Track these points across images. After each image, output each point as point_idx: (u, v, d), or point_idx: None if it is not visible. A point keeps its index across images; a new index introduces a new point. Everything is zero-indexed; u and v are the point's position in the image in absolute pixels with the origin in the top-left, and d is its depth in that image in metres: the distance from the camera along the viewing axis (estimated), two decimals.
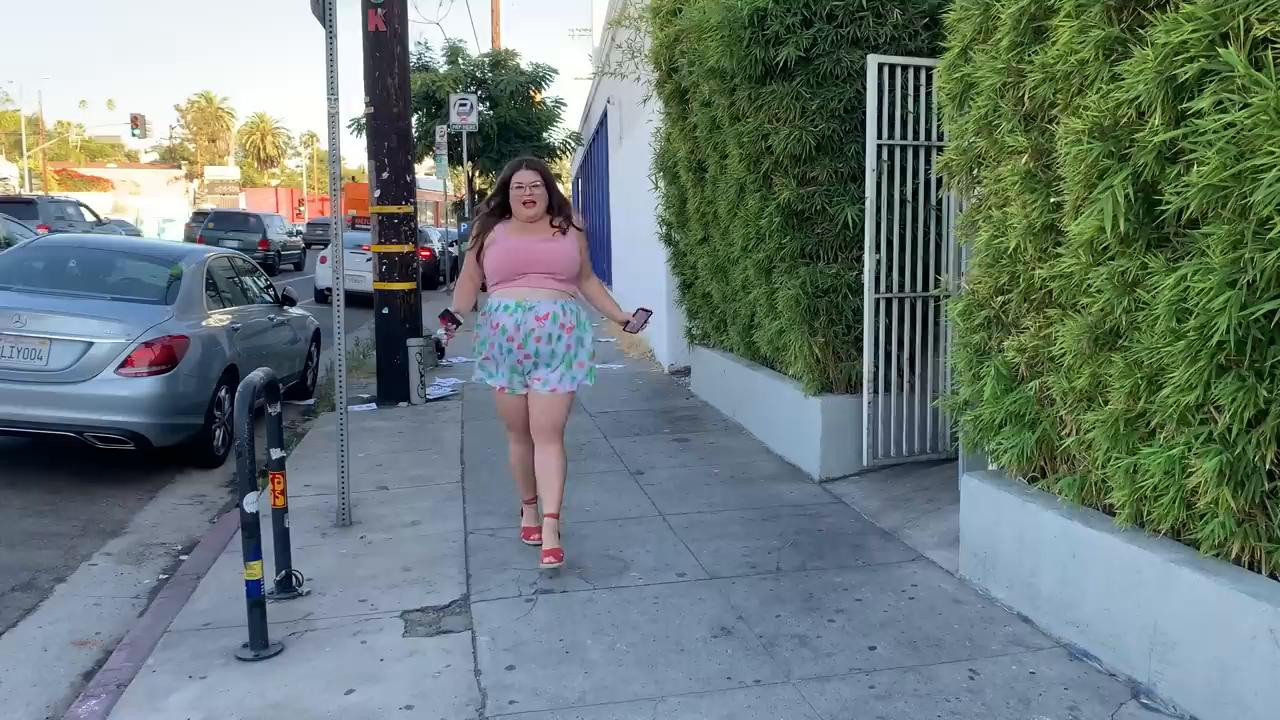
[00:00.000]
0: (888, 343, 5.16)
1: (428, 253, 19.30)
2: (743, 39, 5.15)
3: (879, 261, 5.04)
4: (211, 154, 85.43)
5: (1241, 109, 2.34)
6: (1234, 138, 2.38)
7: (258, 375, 3.56)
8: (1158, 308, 2.65)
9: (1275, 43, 2.27)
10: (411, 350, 7.75)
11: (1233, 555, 2.71)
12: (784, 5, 5.05)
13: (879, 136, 4.93)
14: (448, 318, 4.07)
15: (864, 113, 4.95)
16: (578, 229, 4.15)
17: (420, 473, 5.77)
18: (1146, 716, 2.79)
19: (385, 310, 7.93)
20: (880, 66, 4.87)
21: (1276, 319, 2.38)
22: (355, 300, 11.23)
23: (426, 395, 7.97)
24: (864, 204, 5.02)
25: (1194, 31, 2.45)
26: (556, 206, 4.08)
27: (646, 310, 4.31)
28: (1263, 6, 2.31)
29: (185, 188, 67.91)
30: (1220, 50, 2.40)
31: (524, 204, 3.98)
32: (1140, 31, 2.71)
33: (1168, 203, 2.62)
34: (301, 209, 50.07)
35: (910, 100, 4.98)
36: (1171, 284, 2.58)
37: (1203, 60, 2.46)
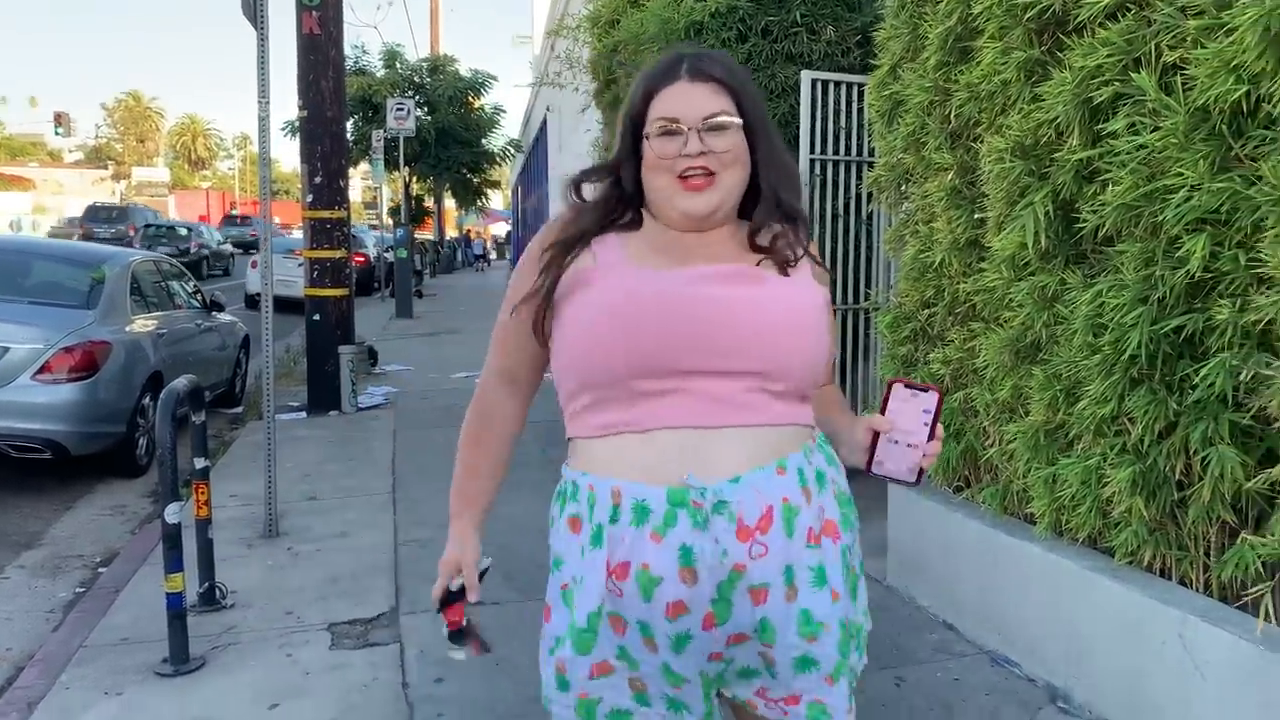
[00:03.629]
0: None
1: (363, 259, 19.06)
2: None
3: None
4: (140, 154, 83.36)
5: (1152, 131, 2.43)
6: (1146, 159, 2.47)
7: (181, 382, 3.47)
8: (1075, 322, 2.73)
9: (1184, 69, 2.36)
10: (343, 358, 7.64)
11: (1145, 563, 2.80)
12: (720, 20, 5.11)
13: (812, 151, 5.01)
14: (459, 604, 1.54)
15: (799, 127, 5.02)
16: (815, 260, 1.52)
17: (350, 483, 5.68)
18: None
19: (316, 317, 7.81)
20: (814, 82, 4.95)
21: (1185, 334, 2.47)
22: (287, 306, 11.04)
23: (358, 404, 7.85)
24: None
25: (1109, 56, 2.54)
26: (772, 188, 1.48)
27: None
28: (1172, 34, 2.41)
29: (112, 188, 66.14)
30: (1133, 75, 2.49)
31: (688, 182, 1.41)
32: (1059, 55, 2.80)
33: (1085, 221, 2.71)
34: (233, 213, 49.13)
35: (843, 116, 5.07)
36: (1088, 299, 2.66)
37: (1117, 84, 2.55)
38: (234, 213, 47.55)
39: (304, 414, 7.73)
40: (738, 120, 1.41)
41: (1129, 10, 2.57)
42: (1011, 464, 3.25)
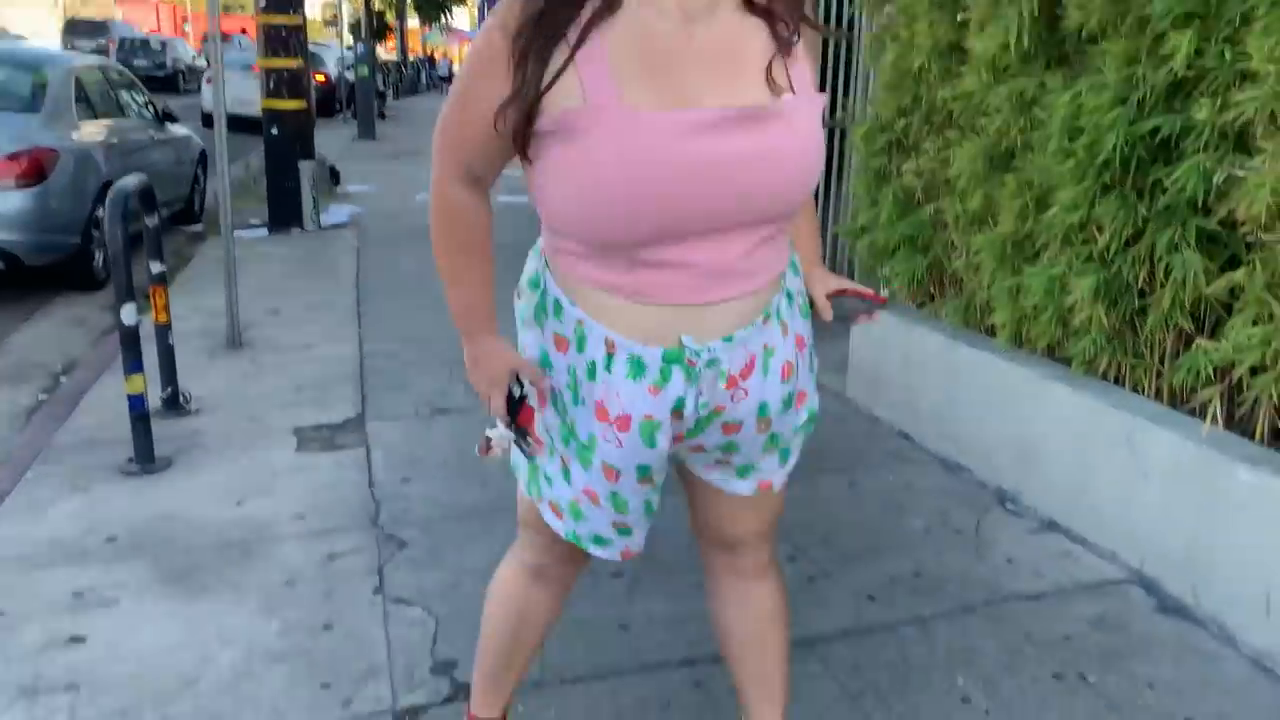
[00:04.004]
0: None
1: (323, 78, 18.30)
2: None
3: None
4: None
5: None
6: None
7: (130, 180, 3.35)
8: (1051, 126, 2.67)
9: None
10: (304, 173, 7.42)
11: (1100, 371, 2.85)
12: None
13: None
14: (529, 408, 1.40)
15: None
16: (809, 23, 1.32)
17: (314, 299, 5.62)
18: (1009, 520, 2.97)
19: (274, 131, 7.52)
20: None
21: (1160, 137, 2.42)
22: (248, 126, 10.63)
23: (321, 222, 7.69)
24: None
25: None
26: None
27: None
28: None
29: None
30: None
31: None
32: None
33: (1069, 19, 2.60)
34: (186, 27, 46.69)
35: None
36: (1066, 101, 2.60)
37: None
38: (186, 27, 45.15)
39: (265, 231, 7.57)
40: None
41: None
42: (977, 276, 3.25)
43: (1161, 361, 2.71)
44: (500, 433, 1.44)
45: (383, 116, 18.35)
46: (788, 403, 1.42)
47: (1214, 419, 2.47)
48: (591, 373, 1.33)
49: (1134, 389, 2.79)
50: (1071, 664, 2.24)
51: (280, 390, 4.06)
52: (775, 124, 1.23)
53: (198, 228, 8.01)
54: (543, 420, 1.41)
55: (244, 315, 4.83)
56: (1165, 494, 2.52)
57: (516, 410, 1.37)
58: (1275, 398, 2.35)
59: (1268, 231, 2.22)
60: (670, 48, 1.21)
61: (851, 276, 4.62)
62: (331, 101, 18.71)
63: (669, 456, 1.43)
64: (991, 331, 3.25)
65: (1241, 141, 2.26)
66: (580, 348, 1.34)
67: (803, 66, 1.30)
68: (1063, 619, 2.43)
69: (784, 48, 1.27)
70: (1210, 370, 2.43)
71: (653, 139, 1.17)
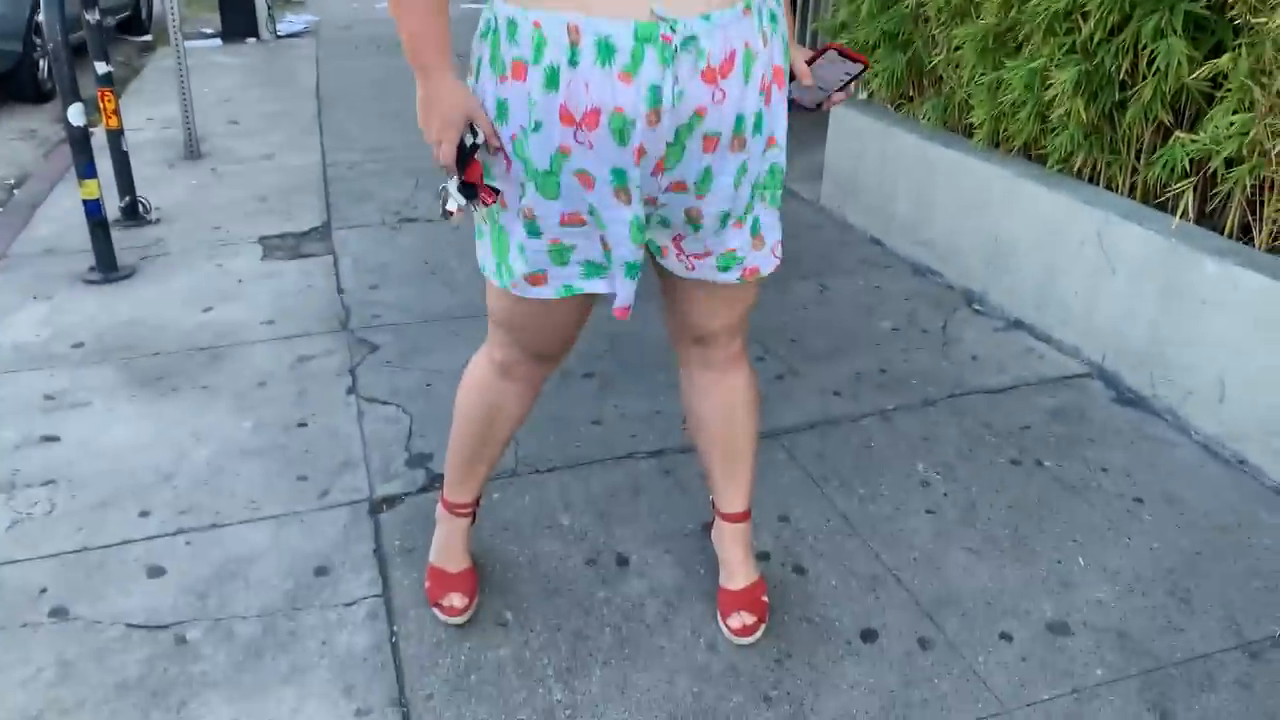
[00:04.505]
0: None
1: None
2: None
3: None
4: None
5: None
6: None
7: None
8: None
9: None
10: None
11: (1076, 169, 2.81)
12: None
13: None
14: (478, 163, 1.33)
15: None
16: None
17: (273, 109, 5.41)
18: (976, 319, 3.00)
19: None
20: None
21: None
22: None
23: (277, 31, 7.33)
24: None
25: None
26: None
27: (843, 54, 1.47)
28: None
29: None
30: None
31: None
32: None
33: None
34: None
35: None
36: None
37: None
38: None
39: (219, 41, 7.22)
40: None
41: None
42: (957, 73, 3.15)
43: (1138, 157, 2.68)
44: (453, 188, 1.34)
45: None
46: (758, 125, 1.34)
47: (1185, 213, 2.46)
48: (552, 79, 1.24)
49: (1108, 186, 2.77)
50: (1029, 451, 2.31)
51: (243, 200, 3.96)
52: None
53: (147, 38, 7.63)
54: (501, 174, 1.34)
55: (201, 126, 4.66)
56: (1130, 289, 2.54)
57: (466, 162, 1.30)
58: (1248, 190, 2.34)
59: (1255, 14, 2.15)
60: None
61: None
62: None
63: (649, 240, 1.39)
64: (969, 132, 3.19)
65: None
66: (538, 57, 1.24)
67: None
68: (1023, 411, 2.49)
69: None
70: (1186, 163, 2.41)
71: None
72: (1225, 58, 2.24)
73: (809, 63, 1.44)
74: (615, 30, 1.20)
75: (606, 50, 1.21)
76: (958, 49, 3.06)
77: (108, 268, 3.19)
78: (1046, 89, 2.70)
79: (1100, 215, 2.62)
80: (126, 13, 7.48)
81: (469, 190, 1.32)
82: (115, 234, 3.33)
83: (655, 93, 1.23)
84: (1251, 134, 2.20)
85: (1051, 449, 2.32)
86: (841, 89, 1.47)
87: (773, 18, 1.34)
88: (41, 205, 3.86)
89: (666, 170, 1.32)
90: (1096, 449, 2.33)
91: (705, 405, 1.70)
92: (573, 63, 1.22)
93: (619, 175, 1.29)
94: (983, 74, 2.97)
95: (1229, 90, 2.25)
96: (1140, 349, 2.53)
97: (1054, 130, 2.78)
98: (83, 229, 3.22)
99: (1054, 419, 2.45)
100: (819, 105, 1.49)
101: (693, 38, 1.22)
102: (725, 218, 1.41)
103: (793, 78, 1.43)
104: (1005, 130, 2.97)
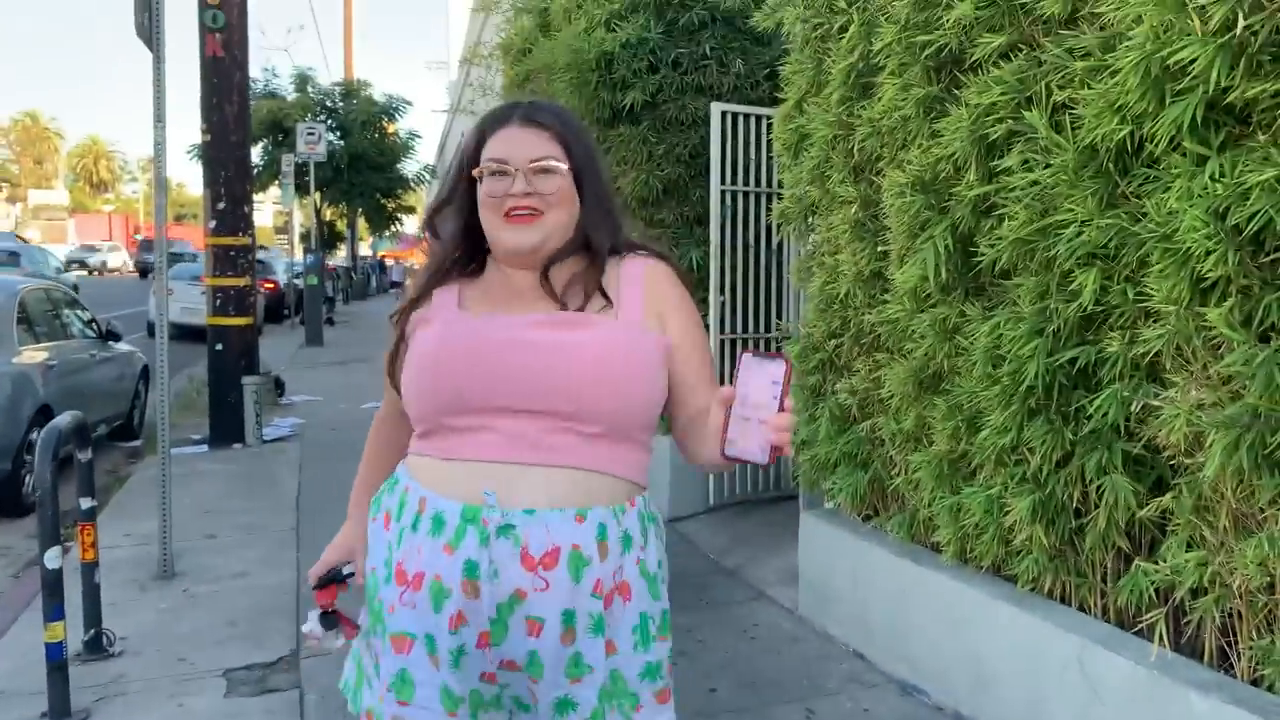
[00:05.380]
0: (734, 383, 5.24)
1: (272, 285, 18.62)
2: (590, 81, 5.19)
3: (724, 304, 5.14)
4: (38, 176, 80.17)
5: (1045, 168, 2.49)
6: (1039, 195, 2.53)
7: (65, 419, 3.31)
8: (975, 353, 2.78)
9: (1073, 108, 2.43)
10: (247, 389, 7.40)
11: (1046, 589, 2.85)
12: (630, 50, 5.12)
13: (723, 182, 5.05)
14: (336, 586, 1.62)
15: (709, 158, 5.05)
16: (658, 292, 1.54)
17: (252, 519, 5.48)
18: None
19: (219, 347, 7.55)
20: (724, 114, 5.00)
21: (1079, 366, 2.53)
22: (195, 335, 10.68)
23: (263, 436, 7.61)
24: (709, 248, 5.11)
25: (1002, 94, 2.61)
26: (601, 223, 1.55)
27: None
28: (1061, 74, 2.48)
29: (7, 211, 63.50)
30: (1025, 113, 2.55)
31: (512, 218, 1.48)
32: (956, 92, 2.87)
33: (982, 254, 2.77)
34: (138, 236, 47.48)
35: (753, 148, 5.13)
36: (986, 331, 2.72)
37: (1010, 122, 2.61)
38: (138, 236, 45.99)
39: (206, 447, 7.45)
40: (564, 166, 1.49)
41: (1020, 51, 2.64)
42: (917, 493, 3.29)
43: (1105, 580, 2.73)
44: (315, 615, 1.56)
45: (331, 322, 18.58)
46: (598, 628, 1.40)
47: (1161, 640, 2.46)
48: (399, 540, 1.44)
49: (1080, 608, 2.79)
50: None
51: (212, 626, 3.88)
52: (589, 326, 1.45)
53: (137, 444, 7.89)
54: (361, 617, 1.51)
55: (178, 540, 4.68)
56: (1120, 718, 2.47)
57: (325, 583, 1.52)
58: (1218, 619, 2.36)
59: (1189, 457, 2.30)
60: (513, 285, 1.52)
61: (795, 486, 4.65)
62: (280, 307, 18.95)
63: None
64: (937, 547, 3.26)
65: (1154, 371, 2.37)
66: (398, 515, 1.46)
67: (636, 316, 1.49)
68: None
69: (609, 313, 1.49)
70: (1152, 591, 2.45)
71: (471, 326, 1.47)
72: (1168, 496, 2.36)
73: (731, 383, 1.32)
74: (448, 508, 1.40)
75: (439, 523, 1.40)
76: (915, 472, 3.21)
77: (61, 714, 3.04)
78: (1005, 514, 2.81)
79: (1077, 641, 2.62)
80: (120, 421, 7.79)
81: (329, 620, 1.51)
82: (75, 670, 3.22)
83: (472, 567, 1.37)
84: (1210, 567, 2.26)
85: None
86: (780, 406, 1.28)
87: (626, 538, 1.44)
88: (3, 638, 3.77)
89: (493, 645, 1.39)
90: None
91: None
92: (414, 528, 1.42)
93: (430, 641, 1.40)
94: (943, 497, 3.09)
95: (1179, 525, 2.35)
96: None
97: (1019, 553, 2.85)
98: (41, 669, 3.11)
99: None
100: (771, 454, 1.28)
101: (510, 526, 1.37)
102: (562, 706, 1.42)
103: (727, 423, 1.30)
104: (972, 550, 3.04)
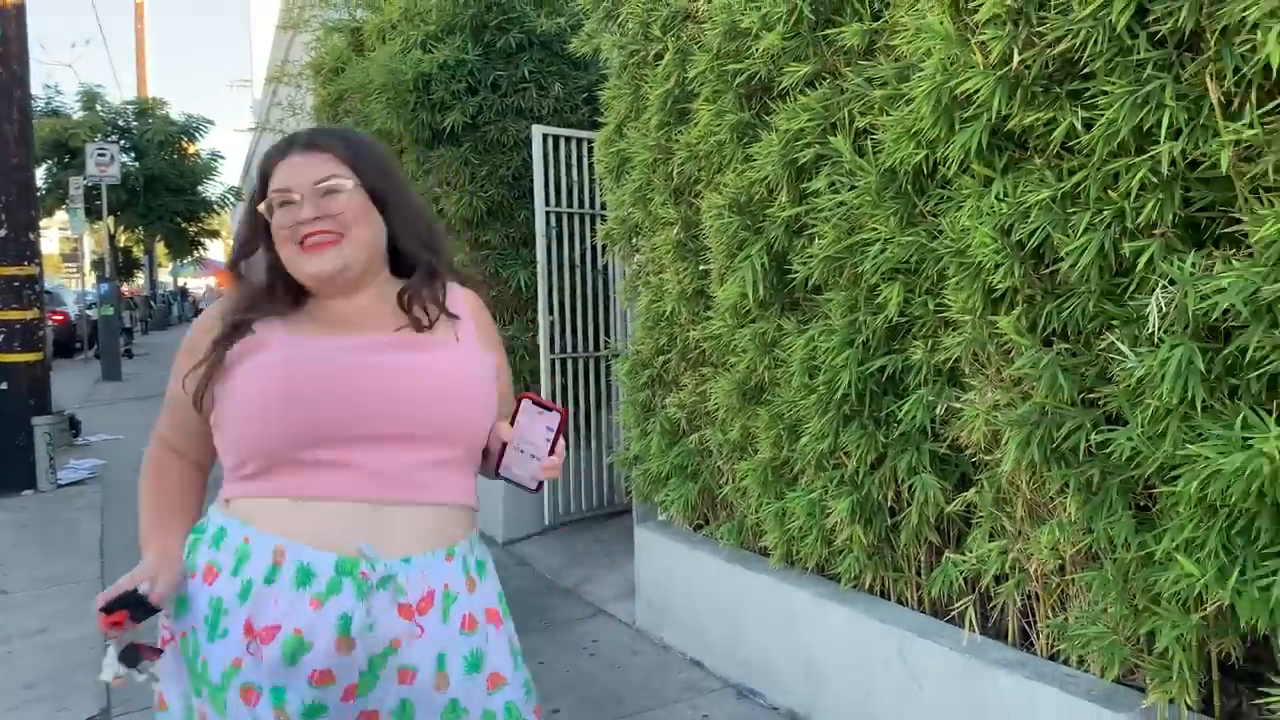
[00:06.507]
0: (564, 402, 5.28)
1: (62, 317, 17.28)
2: (408, 102, 5.13)
3: (553, 323, 5.17)
4: None
5: (850, 190, 2.66)
6: (845, 215, 2.69)
7: None
8: (793, 365, 2.92)
9: (874, 134, 2.60)
10: (38, 430, 6.85)
11: (867, 586, 3.02)
12: (448, 72, 5.09)
13: (547, 204, 5.08)
14: (127, 611, 1.31)
15: (532, 180, 5.08)
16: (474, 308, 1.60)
17: (51, 571, 5.07)
18: None
19: (4, 386, 6.95)
20: (545, 137, 5.04)
21: (887, 373, 2.70)
22: None
23: (58, 480, 7.06)
24: (535, 268, 5.14)
25: (809, 121, 2.76)
26: (416, 239, 1.54)
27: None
28: (863, 102, 2.65)
29: None
30: (831, 138, 2.71)
31: (308, 246, 1.43)
32: (767, 118, 3.01)
33: (796, 271, 2.91)
34: None
35: (575, 170, 5.19)
36: (802, 344, 2.86)
37: (818, 146, 2.77)
38: None
39: None
40: (350, 182, 1.45)
41: (825, 80, 2.81)
42: (745, 500, 3.41)
43: (919, 573, 2.91)
44: (113, 653, 1.33)
45: (129, 355, 17.41)
46: (473, 665, 1.40)
47: (971, 626, 2.65)
48: (245, 594, 1.33)
49: (899, 601, 2.97)
50: None
51: (6, 691, 3.56)
52: (428, 349, 1.45)
53: None
54: (165, 671, 1.38)
55: None
56: (939, 703, 2.65)
57: (116, 607, 1.30)
58: (1019, 602, 2.57)
59: (988, 454, 2.49)
60: (337, 311, 1.47)
61: (629, 501, 4.72)
62: (71, 341, 17.59)
63: None
64: (765, 552, 3.39)
65: (955, 376, 2.56)
66: (236, 569, 1.34)
67: (470, 337, 1.52)
68: None
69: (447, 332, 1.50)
70: (961, 580, 2.64)
71: (315, 350, 1.39)
72: (972, 491, 2.56)
73: (511, 422, 1.49)
74: (317, 559, 1.33)
75: (305, 575, 1.32)
76: (743, 480, 3.34)
77: None
78: (827, 516, 2.96)
79: (898, 632, 2.78)
80: None
81: (130, 655, 1.32)
82: None
83: (346, 621, 1.32)
84: (1010, 555, 2.46)
85: None
86: (551, 450, 1.46)
87: (480, 565, 1.50)
88: None
89: (358, 697, 1.34)
90: None
91: None
92: (269, 580, 1.33)
93: (278, 694, 1.31)
94: (768, 503, 3.22)
95: (982, 517, 2.55)
96: None
97: (841, 552, 3.00)
98: None
99: None
100: (538, 486, 1.49)
101: (390, 577, 1.34)
102: None
103: (503, 450, 1.49)
104: (798, 552, 3.18)
